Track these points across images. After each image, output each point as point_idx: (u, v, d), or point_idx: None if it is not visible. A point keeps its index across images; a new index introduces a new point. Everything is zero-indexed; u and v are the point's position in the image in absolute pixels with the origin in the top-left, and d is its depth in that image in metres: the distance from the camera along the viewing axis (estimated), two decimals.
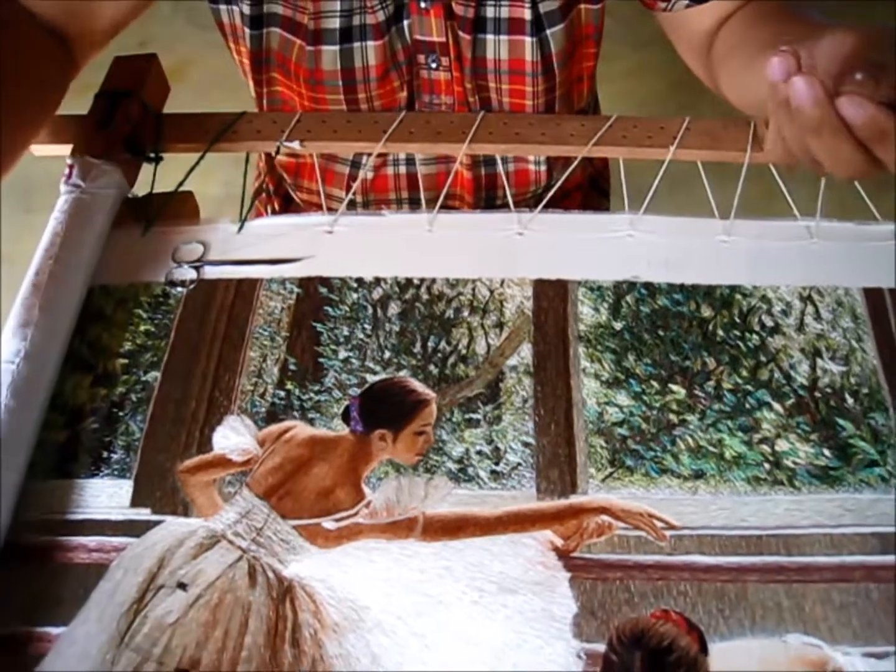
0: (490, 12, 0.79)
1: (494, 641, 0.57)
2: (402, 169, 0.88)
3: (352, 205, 0.89)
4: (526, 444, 0.65)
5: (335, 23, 0.77)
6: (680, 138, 0.77)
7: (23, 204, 1.86)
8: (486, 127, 0.77)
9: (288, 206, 1.00)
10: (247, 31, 0.80)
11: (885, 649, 0.56)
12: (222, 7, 0.82)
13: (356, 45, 0.79)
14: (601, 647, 0.56)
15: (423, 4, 0.78)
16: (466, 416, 0.67)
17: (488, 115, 0.79)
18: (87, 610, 0.58)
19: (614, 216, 0.77)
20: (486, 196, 0.90)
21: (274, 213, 1.01)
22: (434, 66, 0.82)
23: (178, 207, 0.80)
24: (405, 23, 0.79)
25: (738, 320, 0.71)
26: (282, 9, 0.79)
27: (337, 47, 0.79)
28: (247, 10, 0.79)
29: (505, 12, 0.79)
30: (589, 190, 1.04)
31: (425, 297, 0.73)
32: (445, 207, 0.76)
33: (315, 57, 0.79)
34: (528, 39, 0.80)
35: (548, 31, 0.80)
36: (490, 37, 0.80)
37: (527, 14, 0.79)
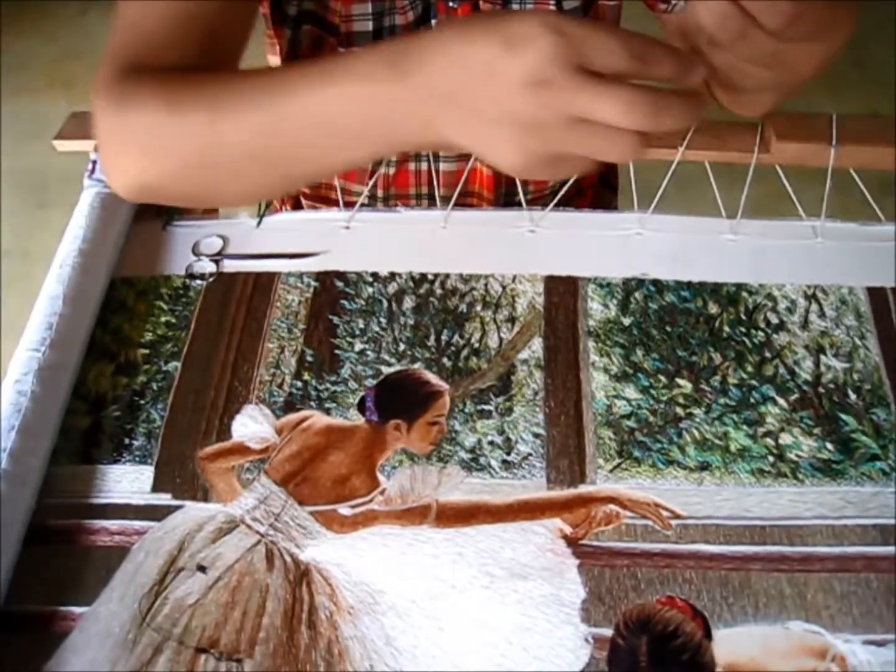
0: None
1: (505, 625, 0.58)
2: (424, 165, 0.90)
3: (372, 199, 0.90)
4: (536, 435, 0.67)
5: (368, 25, 0.79)
6: (689, 139, 0.78)
7: (37, 199, 1.88)
8: None
9: (301, 206, 1.01)
10: (287, 31, 0.82)
11: (884, 637, 0.58)
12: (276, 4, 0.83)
13: None
14: (608, 632, 0.58)
15: (451, 4, 0.79)
16: (479, 408, 0.68)
17: None
18: (110, 590, 0.60)
19: (623, 215, 0.79)
20: (505, 192, 0.91)
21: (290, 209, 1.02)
22: None
23: None
24: (433, 22, 0.81)
25: (743, 317, 0.73)
26: (315, 7, 0.80)
27: None
28: (293, 11, 0.80)
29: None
30: (600, 186, 1.06)
31: (439, 291, 0.75)
32: (466, 205, 0.78)
33: None
34: None
35: None
36: None
37: None
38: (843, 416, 0.68)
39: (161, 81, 0.63)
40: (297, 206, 1.01)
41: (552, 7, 0.80)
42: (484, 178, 0.89)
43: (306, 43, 0.83)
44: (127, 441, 0.67)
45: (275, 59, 0.91)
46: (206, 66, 0.66)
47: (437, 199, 0.83)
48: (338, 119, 0.57)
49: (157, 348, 0.72)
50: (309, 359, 0.71)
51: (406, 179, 0.91)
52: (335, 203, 0.80)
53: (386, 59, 0.54)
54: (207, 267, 0.76)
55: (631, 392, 0.69)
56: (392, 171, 0.89)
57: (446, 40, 0.52)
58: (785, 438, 0.67)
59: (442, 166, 0.86)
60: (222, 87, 0.61)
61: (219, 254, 0.77)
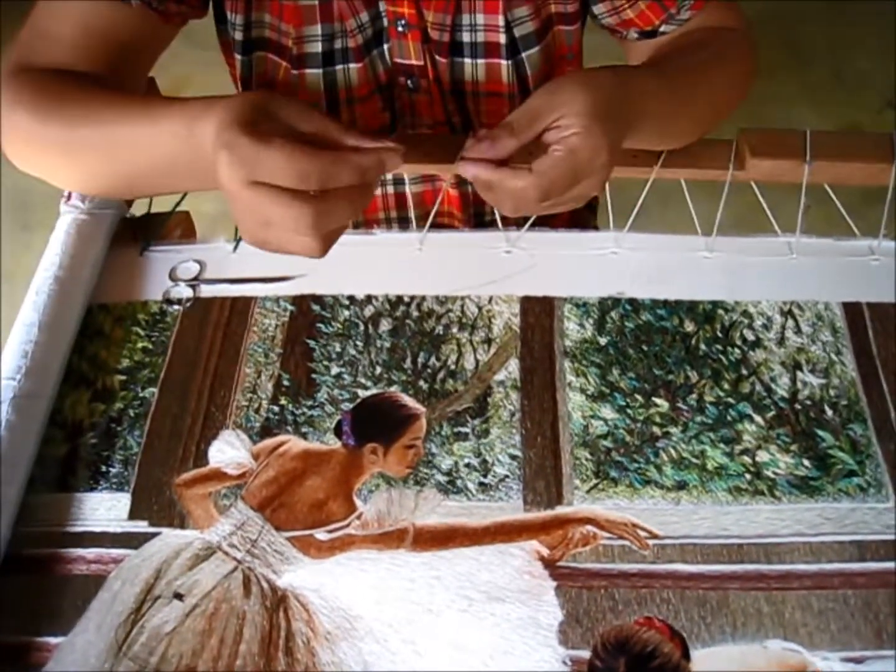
0: (466, 37, 0.81)
1: (483, 648, 0.58)
2: (391, 189, 0.90)
3: None
4: (513, 457, 0.67)
5: (317, 47, 0.79)
6: (664, 157, 0.78)
7: (21, 221, 1.88)
8: None
9: None
10: (237, 56, 0.82)
11: (861, 653, 0.58)
12: (222, 27, 0.84)
13: (338, 67, 0.81)
14: (586, 654, 0.58)
15: (400, 29, 0.79)
16: (455, 430, 0.68)
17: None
18: (87, 620, 0.60)
19: (599, 234, 0.79)
20: (474, 212, 0.92)
21: None
22: (413, 87, 0.84)
23: (175, 227, 0.82)
24: (385, 46, 0.81)
25: (720, 335, 0.73)
26: (268, 32, 0.81)
27: (320, 71, 0.80)
28: (238, 36, 0.81)
29: (481, 37, 0.80)
30: None
31: (415, 314, 0.75)
32: (437, 225, 0.78)
33: (299, 80, 0.81)
34: (504, 63, 0.82)
35: (523, 55, 0.82)
36: (467, 60, 0.82)
37: (502, 38, 0.80)
38: (820, 433, 0.68)
39: (40, 89, 0.71)
40: None
41: (503, 34, 0.80)
42: (452, 199, 0.90)
43: (259, 68, 0.83)
44: (104, 468, 0.67)
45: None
46: (108, 75, 0.73)
47: (411, 220, 0.83)
48: (151, 155, 0.65)
49: (133, 374, 0.72)
50: (285, 383, 0.71)
51: (374, 204, 0.91)
52: None
53: (184, 129, 0.62)
54: (184, 292, 0.76)
55: (607, 412, 0.69)
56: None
57: (211, 136, 0.59)
58: (762, 456, 0.67)
59: (409, 189, 0.86)
60: (81, 105, 0.69)
61: (195, 279, 0.77)
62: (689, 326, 0.74)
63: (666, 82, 0.70)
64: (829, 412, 0.69)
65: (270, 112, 0.57)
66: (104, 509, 0.65)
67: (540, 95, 0.63)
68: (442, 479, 0.66)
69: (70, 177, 0.74)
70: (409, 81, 0.83)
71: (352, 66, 0.81)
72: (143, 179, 0.70)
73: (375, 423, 0.69)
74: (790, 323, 0.74)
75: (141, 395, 0.71)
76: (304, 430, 0.68)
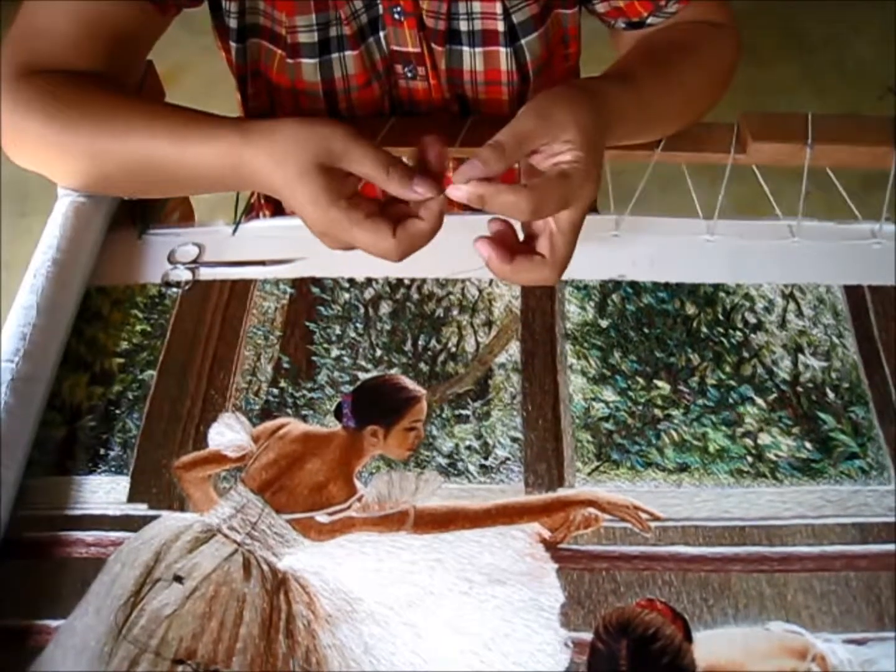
0: (463, 26, 0.80)
1: (484, 631, 0.58)
2: None
3: None
4: (514, 439, 0.67)
5: (312, 36, 0.79)
6: (665, 141, 0.78)
7: (19, 208, 1.87)
8: (475, 131, 0.79)
9: (280, 212, 1.01)
10: (232, 44, 0.82)
11: (864, 635, 0.58)
12: (217, 14, 0.83)
13: (334, 55, 0.80)
14: (588, 636, 0.58)
15: (396, 16, 0.79)
16: (456, 413, 0.68)
17: (476, 120, 0.80)
18: (86, 603, 0.59)
19: (600, 217, 0.79)
20: None
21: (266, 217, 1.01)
22: (410, 75, 0.83)
23: (173, 210, 0.81)
24: (381, 34, 0.81)
25: (721, 317, 0.73)
26: (262, 20, 0.80)
27: (316, 60, 0.80)
28: (233, 23, 0.80)
29: (478, 25, 0.80)
30: None
31: (416, 296, 0.75)
32: None
33: (295, 69, 0.81)
34: (503, 50, 0.81)
35: (522, 41, 0.81)
36: (465, 49, 0.81)
37: (500, 26, 0.80)
38: (822, 415, 0.68)
39: (53, 95, 0.71)
40: (277, 212, 1.01)
41: (501, 21, 0.79)
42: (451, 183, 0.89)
43: (254, 55, 0.83)
44: (102, 451, 0.67)
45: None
46: (108, 70, 0.73)
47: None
48: (186, 175, 0.68)
49: (132, 357, 0.72)
50: (285, 366, 0.71)
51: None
52: None
53: (230, 161, 0.65)
54: (183, 275, 0.76)
55: (609, 394, 0.69)
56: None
57: (263, 164, 0.63)
58: (764, 438, 0.67)
59: None
60: (101, 114, 0.69)
61: (194, 262, 0.77)
62: (691, 309, 0.73)
63: (638, 96, 0.71)
64: (831, 395, 0.69)
65: (336, 171, 0.63)
66: (103, 492, 0.65)
67: (530, 118, 0.62)
68: (443, 461, 0.66)
69: (83, 181, 0.74)
70: (406, 69, 0.83)
71: (348, 53, 0.80)
72: (166, 189, 0.74)
73: (376, 406, 0.68)
74: (792, 306, 0.74)
75: (140, 377, 0.71)
76: (304, 412, 0.68)
